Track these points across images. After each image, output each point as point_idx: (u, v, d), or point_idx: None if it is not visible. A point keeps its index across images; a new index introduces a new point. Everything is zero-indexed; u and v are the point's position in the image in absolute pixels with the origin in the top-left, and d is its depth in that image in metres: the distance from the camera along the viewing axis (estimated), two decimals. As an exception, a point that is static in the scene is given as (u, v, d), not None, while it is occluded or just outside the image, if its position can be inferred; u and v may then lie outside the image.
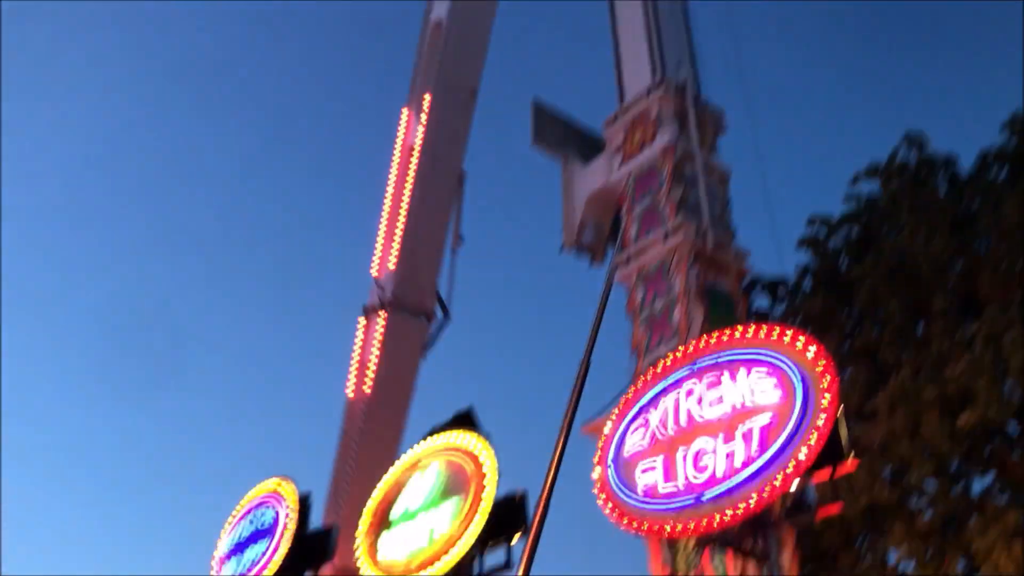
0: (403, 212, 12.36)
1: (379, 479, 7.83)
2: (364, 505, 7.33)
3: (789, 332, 4.94)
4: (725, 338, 5.22)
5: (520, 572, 11.30)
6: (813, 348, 4.71)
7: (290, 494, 8.08)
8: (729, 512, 4.56)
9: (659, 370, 5.54)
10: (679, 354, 5.48)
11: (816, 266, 19.73)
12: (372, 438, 10.10)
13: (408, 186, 12.44)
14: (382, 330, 11.12)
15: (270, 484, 8.42)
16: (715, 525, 4.62)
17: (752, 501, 4.47)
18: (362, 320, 11.44)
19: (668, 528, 4.88)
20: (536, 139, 13.77)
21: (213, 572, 8.45)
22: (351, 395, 10.75)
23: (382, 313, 11.22)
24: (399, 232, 12.21)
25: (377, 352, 10.87)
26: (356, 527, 7.27)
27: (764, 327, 5.10)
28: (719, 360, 5.13)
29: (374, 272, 11.99)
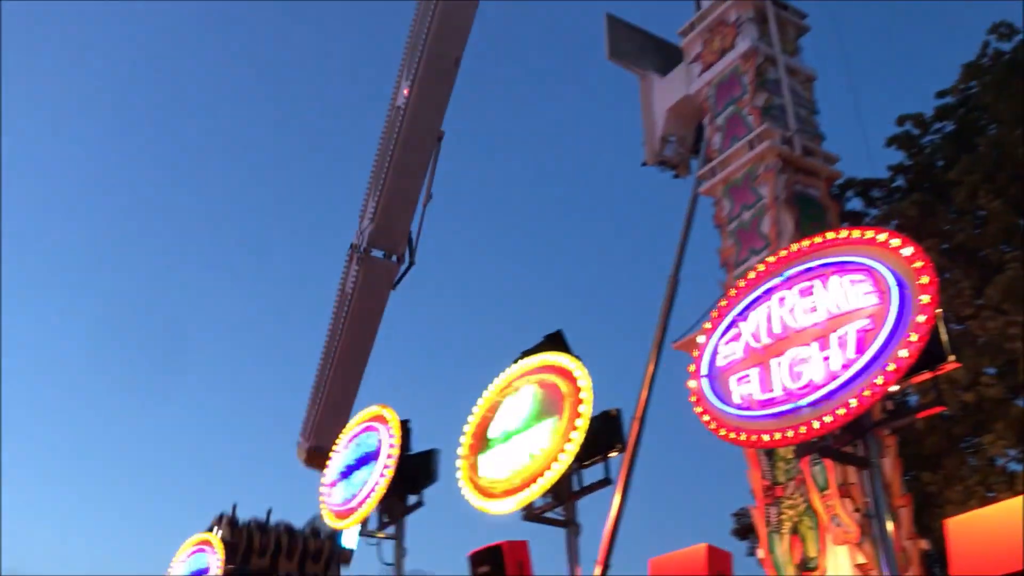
0: (387, 166, 13.61)
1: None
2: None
3: (883, 234, 4.80)
4: (817, 242, 5.11)
5: (619, 486, 11.49)
6: (909, 249, 4.58)
7: (392, 418, 8.33)
8: (828, 418, 4.51)
9: (750, 280, 5.46)
10: (770, 263, 5.38)
11: (909, 166, 19.06)
12: (344, 355, 12.74)
13: (393, 143, 13.75)
14: (358, 267, 13.22)
15: (373, 410, 8.69)
16: (814, 432, 4.58)
17: (851, 405, 4.42)
18: (348, 254, 13.55)
19: (767, 437, 4.86)
20: (612, 53, 13.51)
21: (324, 497, 8.80)
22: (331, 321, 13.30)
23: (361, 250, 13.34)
24: (382, 183, 13.77)
25: (352, 283, 13.24)
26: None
27: (856, 230, 4.97)
28: (811, 267, 5.03)
29: (360, 215, 13.92)
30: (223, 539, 11.16)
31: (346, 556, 12.45)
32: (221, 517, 11.63)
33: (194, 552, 11.21)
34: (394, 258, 13.69)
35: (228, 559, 10.52)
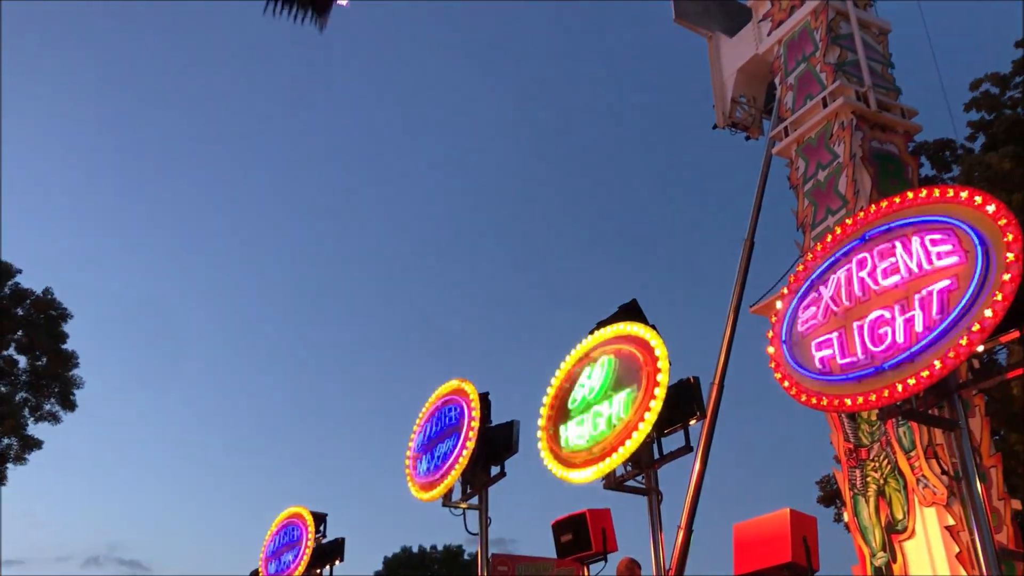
0: None
1: None
2: None
3: (965, 191, 4.68)
4: (896, 202, 5.01)
5: (699, 453, 11.50)
6: (992, 205, 4.46)
7: (472, 391, 8.48)
8: (912, 380, 4.44)
9: (828, 242, 5.38)
10: (848, 224, 5.30)
11: (991, 120, 18.43)
12: None
13: None
14: None
15: (453, 384, 8.85)
16: (898, 394, 4.52)
17: (935, 367, 4.35)
18: None
19: (849, 401, 4.81)
20: (678, 15, 13.34)
21: (408, 469, 9.01)
22: None
23: None
24: None
25: None
26: None
27: (937, 188, 4.85)
28: (891, 227, 4.94)
29: None
30: None
31: None
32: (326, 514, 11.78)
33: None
34: None
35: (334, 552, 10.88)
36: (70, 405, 28.94)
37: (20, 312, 29.10)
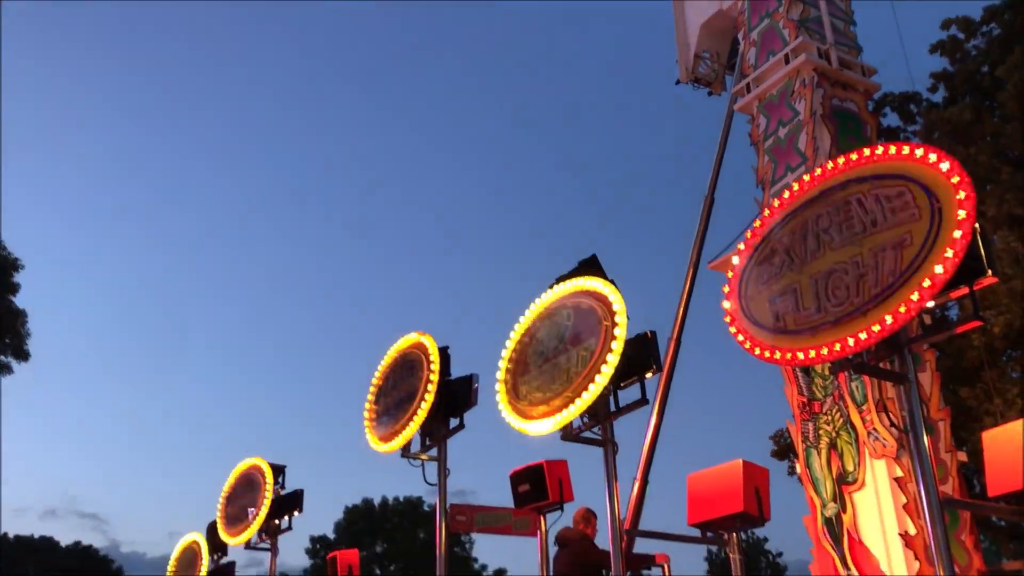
0: None
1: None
2: None
3: (920, 149, 4.73)
4: (854, 159, 5.05)
5: (656, 407, 11.64)
6: (946, 163, 4.51)
7: (431, 344, 8.48)
8: (863, 334, 4.52)
9: (786, 198, 5.42)
10: (805, 180, 5.34)
11: (954, 72, 18.57)
12: None
13: None
14: None
15: (412, 337, 8.83)
16: (849, 348, 4.60)
17: (887, 321, 4.42)
18: None
19: (801, 355, 4.88)
20: (643, -30, 13.20)
21: (367, 421, 9.01)
22: None
23: None
24: None
25: None
26: None
27: (893, 146, 4.89)
28: (847, 183, 4.98)
29: None
30: None
31: None
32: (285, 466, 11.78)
33: (243, 477, 11.60)
34: None
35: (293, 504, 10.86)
36: (23, 355, 28.53)
37: (-31, 263, 28.48)
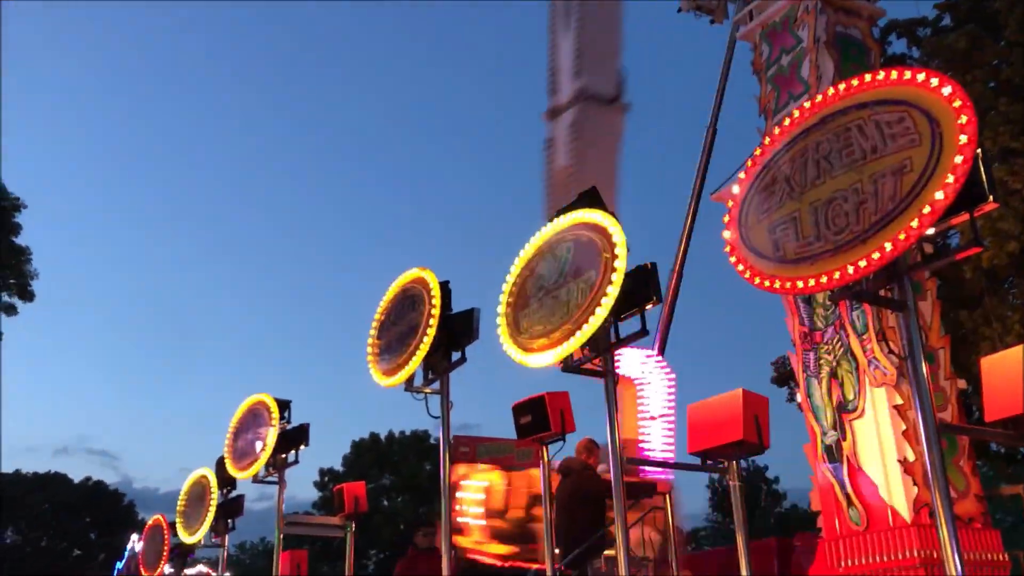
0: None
1: None
2: None
3: (922, 73, 4.65)
4: (855, 85, 4.98)
5: (657, 337, 11.69)
6: (948, 87, 4.44)
7: (432, 279, 8.49)
8: (863, 262, 4.50)
9: (786, 125, 5.36)
10: (806, 107, 5.27)
11: (957, 2, 18.24)
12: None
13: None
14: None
15: (413, 272, 8.84)
16: (849, 276, 4.58)
17: (886, 249, 4.40)
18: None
19: (801, 283, 4.87)
20: None
21: (371, 356, 9.07)
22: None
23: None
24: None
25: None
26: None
27: (895, 71, 4.81)
28: (848, 109, 4.91)
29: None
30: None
31: None
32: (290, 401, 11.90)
33: (249, 412, 11.73)
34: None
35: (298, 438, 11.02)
36: (27, 296, 28.64)
37: (-29, 204, 28.42)
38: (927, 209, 4.28)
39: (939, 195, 4.25)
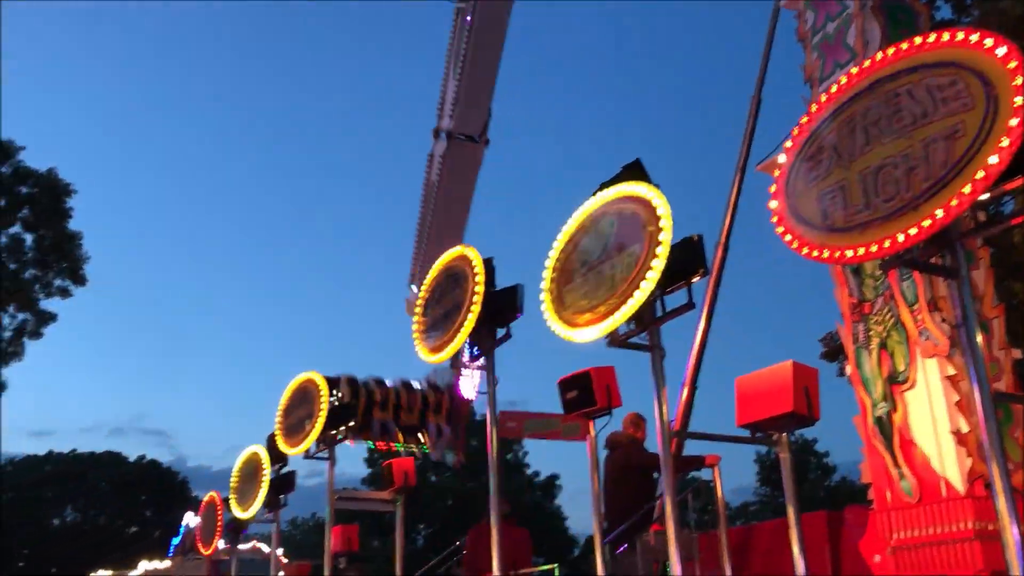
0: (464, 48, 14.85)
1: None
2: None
3: (975, 35, 4.52)
4: (904, 49, 4.86)
5: (704, 310, 11.61)
6: (1003, 48, 4.31)
7: (476, 256, 8.51)
8: (914, 229, 4.41)
9: (833, 92, 5.25)
10: (854, 73, 5.16)
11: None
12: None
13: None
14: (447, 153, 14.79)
15: (456, 250, 8.88)
16: (899, 244, 4.50)
17: (939, 215, 4.31)
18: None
19: (850, 252, 4.79)
20: None
21: (417, 333, 9.13)
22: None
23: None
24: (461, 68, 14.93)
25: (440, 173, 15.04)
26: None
27: (946, 32, 4.67)
28: (897, 73, 4.80)
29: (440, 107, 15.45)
30: (343, 399, 11.76)
31: (466, 408, 13.14)
32: (339, 378, 12.24)
33: (299, 391, 11.91)
34: (476, 139, 14.97)
35: (347, 415, 11.19)
36: (80, 280, 29.25)
37: (24, 190, 29.04)
38: (980, 174, 4.17)
39: (993, 159, 4.14)
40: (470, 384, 12.41)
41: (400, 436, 13.11)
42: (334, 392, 11.39)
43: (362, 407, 12.67)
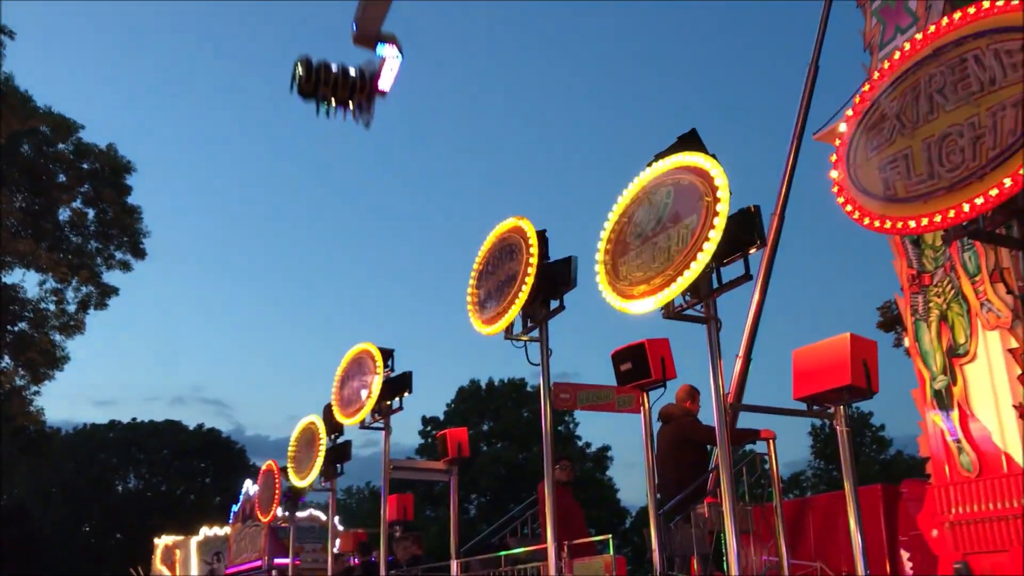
0: None
1: None
2: None
3: (1046, -3, 4.40)
4: (971, 13, 4.73)
5: (759, 282, 11.51)
6: (1076, 11, 4.19)
7: (530, 228, 8.53)
8: (980, 199, 4.32)
9: (896, 59, 5.14)
10: (917, 39, 5.05)
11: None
12: None
13: None
14: None
15: (511, 221, 8.90)
16: (964, 214, 4.41)
17: (1006, 184, 4.21)
18: None
19: (913, 223, 4.71)
20: None
21: (471, 305, 9.20)
22: None
23: None
24: None
25: None
26: None
27: (1015, -5, 4.56)
28: (963, 39, 4.68)
29: None
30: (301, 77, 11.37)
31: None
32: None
33: (354, 362, 12.07)
34: None
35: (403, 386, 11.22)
36: (140, 253, 29.86)
37: (85, 166, 29.67)
38: (1051, 142, 4.07)
39: (1064, 127, 4.04)
40: (389, 77, 12.13)
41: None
42: (388, 363, 11.52)
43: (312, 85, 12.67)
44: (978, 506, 9.02)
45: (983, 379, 9.31)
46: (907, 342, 10.39)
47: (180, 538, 32.86)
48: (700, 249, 6.17)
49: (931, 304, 9.87)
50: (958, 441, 9.35)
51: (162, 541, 33.37)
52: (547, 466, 8.29)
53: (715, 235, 6.12)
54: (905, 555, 9.45)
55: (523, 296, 8.25)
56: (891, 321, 19.96)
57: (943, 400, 9.63)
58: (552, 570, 7.86)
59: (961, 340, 9.53)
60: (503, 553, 10.70)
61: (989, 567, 8.46)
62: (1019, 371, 8.99)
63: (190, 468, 64.61)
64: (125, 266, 29.41)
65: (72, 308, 28.81)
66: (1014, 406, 8.91)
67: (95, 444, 62.86)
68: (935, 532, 9.38)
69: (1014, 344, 8.98)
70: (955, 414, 9.46)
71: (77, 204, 29.20)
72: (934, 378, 9.78)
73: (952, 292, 9.64)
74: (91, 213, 29.34)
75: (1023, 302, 4.63)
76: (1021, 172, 4.16)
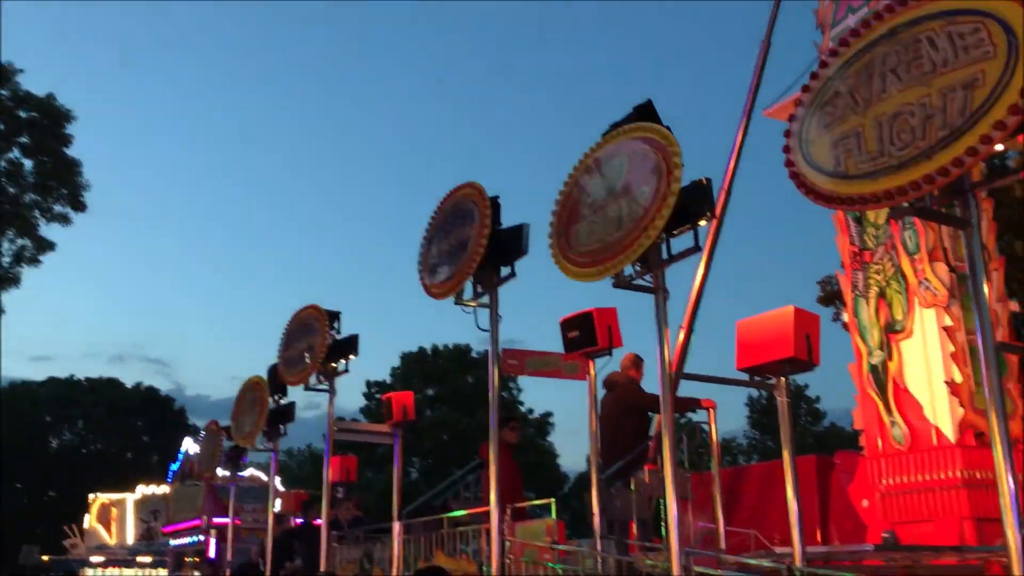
0: None
1: None
2: None
3: (1000, -18, 4.47)
4: (926, -5, 4.81)
5: (705, 253, 11.64)
6: (1028, -3, 4.28)
7: (483, 194, 8.50)
8: (927, 178, 4.42)
9: (852, 38, 5.21)
10: (870, 18, 5.11)
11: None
12: None
13: None
14: None
15: (464, 187, 8.85)
16: (912, 192, 4.51)
17: (953, 164, 4.32)
18: None
19: (859, 201, 4.80)
20: None
21: (421, 269, 9.17)
22: None
23: None
24: None
25: None
26: None
27: (970, -21, 4.63)
28: (919, 19, 4.75)
29: None
30: None
31: None
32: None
33: (299, 322, 11.98)
34: None
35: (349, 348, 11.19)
36: (80, 206, 29.11)
37: (23, 115, 28.76)
38: (997, 125, 4.17)
39: (1007, 111, 4.13)
40: None
41: None
42: (334, 325, 11.45)
43: None
44: (907, 477, 9.32)
45: (918, 355, 9.58)
46: (846, 317, 10.63)
47: (117, 496, 32.45)
48: (653, 220, 6.21)
49: (871, 281, 10.09)
50: (891, 415, 9.63)
51: (98, 499, 32.93)
52: (493, 429, 8.34)
53: (667, 207, 6.16)
54: (836, 524, 9.73)
55: (476, 263, 8.24)
56: (831, 296, 20.38)
57: (879, 375, 9.89)
58: (495, 532, 7.93)
59: (899, 317, 9.78)
60: (445, 516, 10.78)
61: (915, 536, 8.75)
62: (952, 348, 9.27)
63: (128, 426, 63.72)
64: (64, 219, 28.69)
65: (8, 261, 28.05)
66: (946, 382, 9.19)
67: (29, 400, 61.61)
68: (865, 502, 9.67)
69: (949, 322, 9.24)
70: (890, 388, 9.73)
71: (14, 154, 28.35)
72: (871, 353, 10.03)
73: (892, 270, 9.87)
74: (29, 164, 28.52)
75: (968, 280, 4.76)
76: (968, 154, 4.26)
